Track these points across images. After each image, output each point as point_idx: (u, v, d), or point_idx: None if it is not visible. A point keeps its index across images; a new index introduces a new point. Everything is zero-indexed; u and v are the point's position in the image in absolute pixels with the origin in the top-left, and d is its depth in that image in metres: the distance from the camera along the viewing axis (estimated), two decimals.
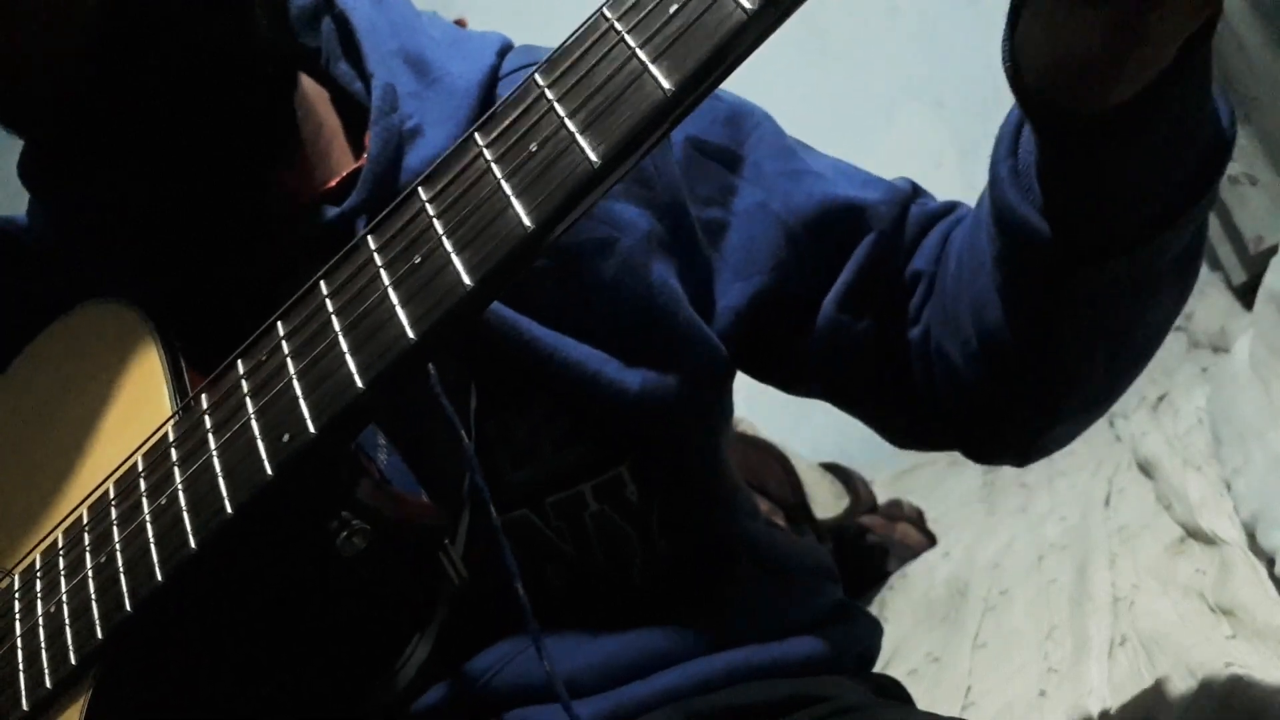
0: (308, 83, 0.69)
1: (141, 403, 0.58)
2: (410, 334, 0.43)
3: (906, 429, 0.75)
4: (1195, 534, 1.45)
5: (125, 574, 0.52)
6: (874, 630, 0.78)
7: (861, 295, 0.69)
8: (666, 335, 0.67)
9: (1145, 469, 1.73)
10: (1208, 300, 2.23)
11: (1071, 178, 0.53)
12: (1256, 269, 2.11)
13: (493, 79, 0.69)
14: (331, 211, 0.64)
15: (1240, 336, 1.66)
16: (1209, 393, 1.72)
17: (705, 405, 0.70)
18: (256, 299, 0.62)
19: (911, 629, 1.77)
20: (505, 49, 0.72)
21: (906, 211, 0.71)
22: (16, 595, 0.59)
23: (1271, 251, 1.82)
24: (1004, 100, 0.54)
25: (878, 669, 0.77)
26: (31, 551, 0.59)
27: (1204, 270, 2.51)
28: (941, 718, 0.64)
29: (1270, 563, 1.25)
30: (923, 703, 0.70)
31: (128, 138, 0.61)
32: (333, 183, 0.67)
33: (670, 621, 0.66)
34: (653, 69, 0.39)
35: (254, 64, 0.63)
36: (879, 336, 0.69)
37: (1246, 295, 2.11)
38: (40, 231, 0.71)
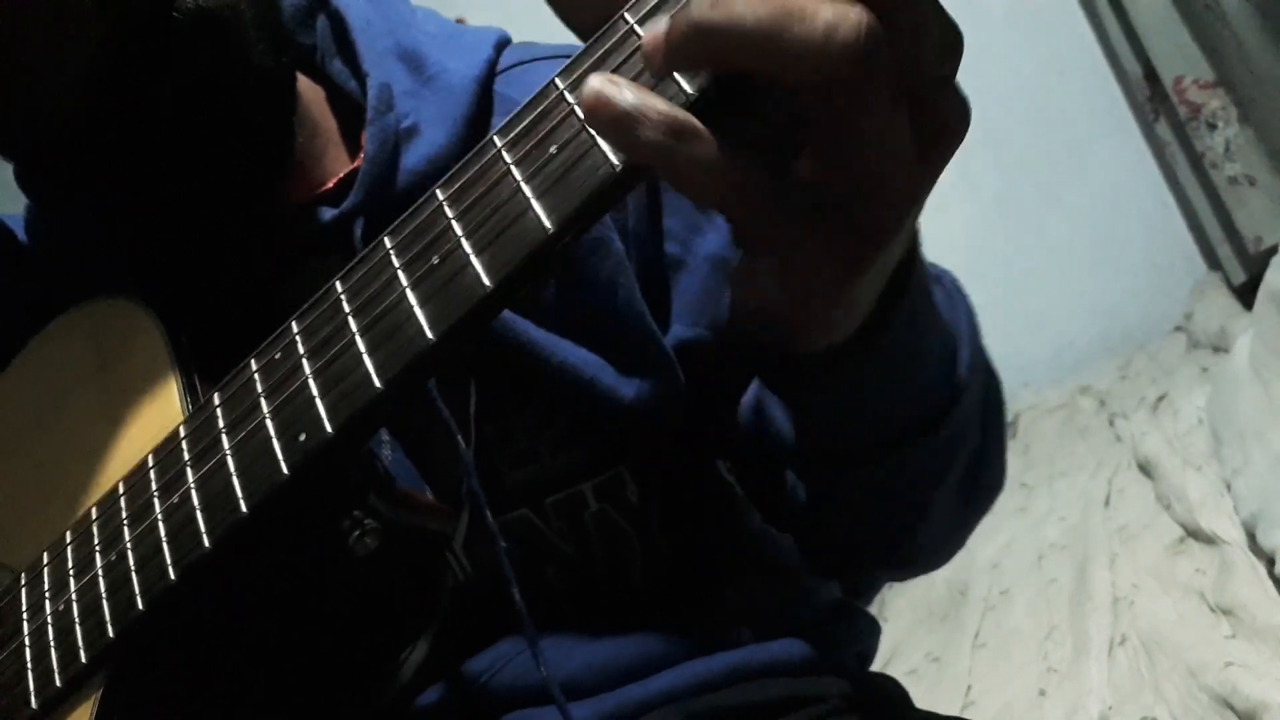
0: (303, 83, 0.69)
1: (150, 401, 0.58)
2: (429, 334, 0.43)
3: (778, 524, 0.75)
4: (1195, 534, 1.45)
5: (137, 572, 0.52)
6: (872, 629, 0.78)
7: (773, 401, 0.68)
8: (654, 343, 0.66)
9: (1145, 469, 1.74)
10: (1208, 300, 2.24)
11: (787, 402, 0.55)
12: (1256, 269, 2.12)
13: (490, 75, 0.68)
14: (329, 213, 0.64)
15: (1240, 336, 1.66)
16: (1209, 393, 1.72)
17: (695, 416, 0.70)
18: (255, 301, 0.62)
19: (911, 629, 1.77)
20: (503, 43, 0.71)
21: None
22: (24, 593, 0.58)
23: (1271, 251, 1.82)
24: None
25: (877, 669, 0.77)
26: (40, 551, 0.59)
27: (1204, 270, 2.54)
28: (941, 717, 0.64)
29: (1270, 563, 1.26)
30: (923, 703, 0.70)
31: (124, 159, 0.61)
32: (330, 184, 0.67)
33: (670, 622, 0.65)
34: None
35: (252, 88, 0.62)
36: (779, 451, 0.68)
37: (1246, 295, 2.11)
38: (37, 231, 0.71)
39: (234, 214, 0.65)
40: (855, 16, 0.36)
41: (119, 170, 0.62)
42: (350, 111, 0.68)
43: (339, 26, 0.69)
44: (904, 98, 0.38)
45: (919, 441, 0.54)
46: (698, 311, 0.68)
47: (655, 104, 0.38)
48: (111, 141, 0.60)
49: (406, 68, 0.67)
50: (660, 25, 0.39)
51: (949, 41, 0.39)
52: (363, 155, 0.64)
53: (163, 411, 0.57)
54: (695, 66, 0.39)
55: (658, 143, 0.38)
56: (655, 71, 0.39)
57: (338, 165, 0.68)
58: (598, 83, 0.39)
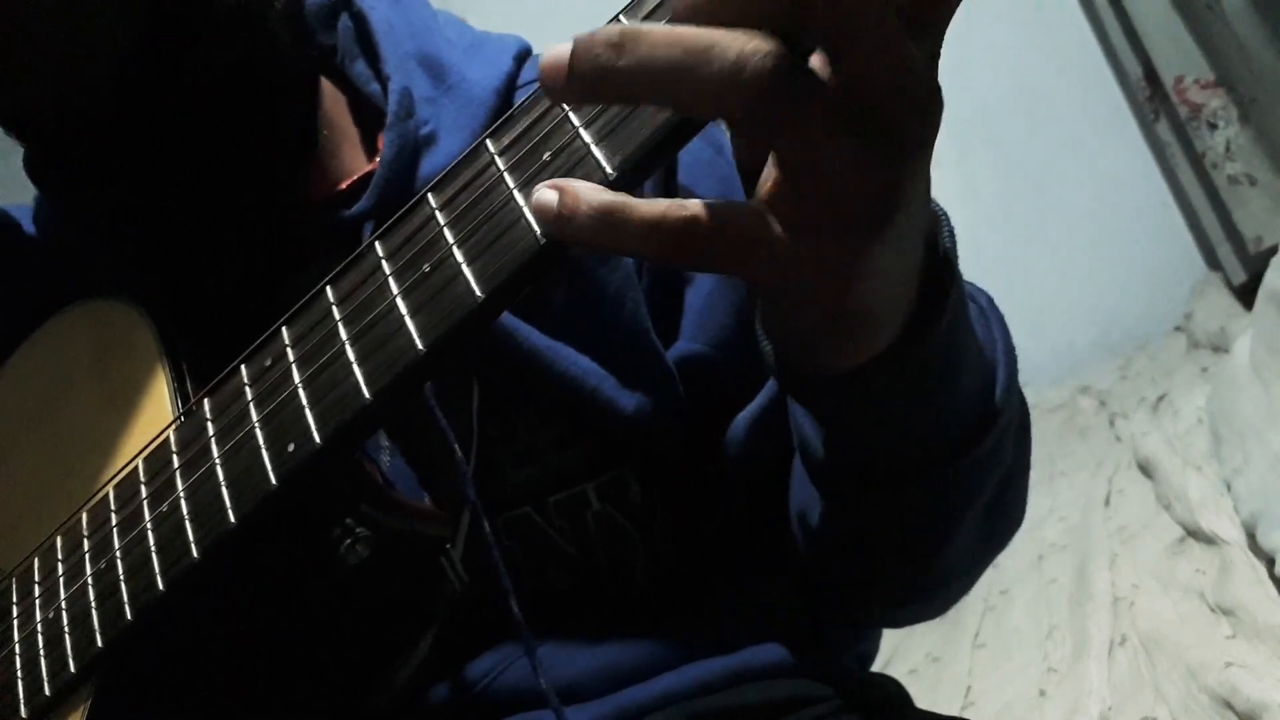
0: (322, 83, 0.69)
1: (142, 405, 0.58)
2: (419, 345, 0.42)
3: (765, 557, 0.73)
4: (1195, 534, 1.45)
5: (126, 581, 0.52)
6: (873, 631, 0.77)
7: (769, 425, 0.66)
8: (656, 357, 0.66)
9: (1145, 469, 1.74)
10: (1208, 300, 2.24)
11: (824, 419, 0.53)
12: (1256, 269, 2.11)
13: (510, 86, 0.68)
14: (342, 214, 0.64)
15: (1240, 336, 1.66)
16: (1209, 393, 1.72)
17: (696, 427, 0.70)
18: (260, 298, 0.62)
19: (911, 629, 1.77)
20: (523, 54, 0.71)
21: None
22: (15, 601, 0.58)
23: (1271, 251, 1.82)
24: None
25: (877, 669, 0.77)
26: (29, 556, 0.59)
27: (1204, 270, 2.54)
28: (941, 717, 0.64)
29: (1270, 563, 1.26)
30: (923, 703, 0.70)
31: (145, 151, 0.60)
32: (344, 184, 0.66)
33: (671, 623, 0.65)
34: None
35: (276, 80, 0.62)
36: (772, 472, 0.67)
37: (1246, 295, 2.11)
38: (45, 224, 0.70)
39: (248, 208, 0.65)
40: (765, 48, 0.35)
41: (138, 161, 0.61)
42: (368, 113, 0.68)
43: (361, 28, 0.69)
44: (844, 111, 0.36)
45: (955, 460, 0.53)
46: (699, 326, 0.68)
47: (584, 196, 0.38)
48: (137, 128, 0.60)
49: (427, 74, 0.66)
50: (561, 50, 0.37)
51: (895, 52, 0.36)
52: (379, 158, 0.64)
53: (154, 415, 0.57)
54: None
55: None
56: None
57: (353, 166, 0.68)
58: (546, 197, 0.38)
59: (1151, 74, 2.35)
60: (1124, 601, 1.41)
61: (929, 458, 0.52)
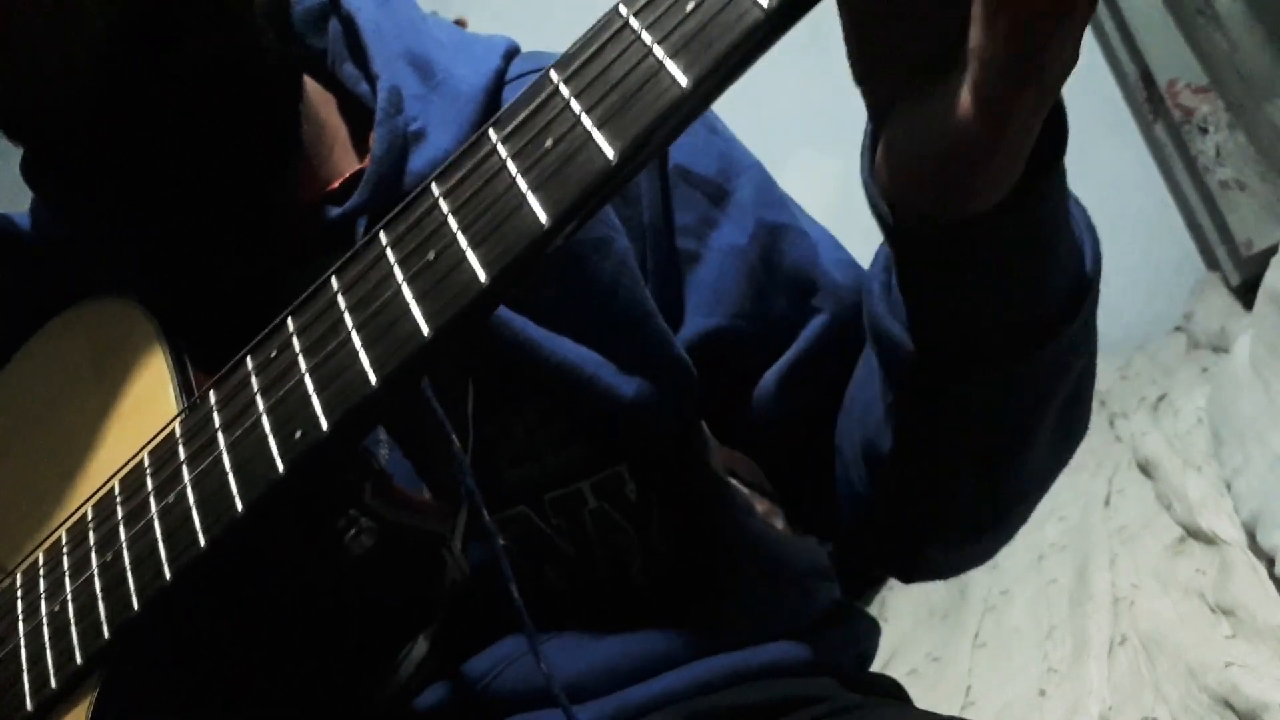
0: (311, 84, 0.69)
1: (145, 400, 0.58)
2: (425, 330, 0.43)
3: (810, 518, 0.74)
4: (1195, 534, 1.45)
5: (132, 572, 0.52)
6: (872, 630, 0.78)
7: (802, 379, 0.67)
8: (659, 343, 0.67)
9: (1145, 469, 1.73)
10: (1208, 300, 2.24)
11: (928, 290, 0.52)
12: (1250, 272, 2.12)
13: (498, 83, 0.68)
14: (333, 211, 0.64)
15: (1240, 336, 1.66)
16: (1209, 393, 1.72)
17: (693, 416, 0.70)
18: (257, 298, 0.62)
19: (911, 629, 1.77)
20: (511, 53, 0.71)
21: None
22: (19, 595, 0.58)
23: (1271, 252, 1.82)
24: None
25: (877, 669, 0.77)
26: (34, 551, 0.59)
27: (1203, 270, 2.53)
28: (941, 717, 0.64)
29: (1270, 563, 1.25)
30: (923, 703, 0.70)
31: (132, 148, 0.61)
32: (335, 184, 0.67)
33: (670, 623, 0.65)
34: (669, 65, 0.39)
35: (259, 77, 0.63)
36: (807, 425, 0.67)
37: (1246, 295, 2.11)
38: (43, 228, 0.71)
39: (239, 208, 0.65)
40: None
41: (126, 159, 0.62)
42: (360, 115, 0.69)
43: (350, 30, 0.69)
44: None
45: (1050, 338, 0.52)
46: (715, 300, 0.68)
47: None
48: (120, 127, 0.60)
49: (416, 72, 0.67)
50: None
51: None
52: (370, 156, 0.64)
53: (158, 410, 0.57)
54: None
55: None
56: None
57: (344, 166, 0.68)
58: None
59: (1148, 76, 2.35)
60: (1124, 601, 1.41)
61: (1023, 336, 0.51)
